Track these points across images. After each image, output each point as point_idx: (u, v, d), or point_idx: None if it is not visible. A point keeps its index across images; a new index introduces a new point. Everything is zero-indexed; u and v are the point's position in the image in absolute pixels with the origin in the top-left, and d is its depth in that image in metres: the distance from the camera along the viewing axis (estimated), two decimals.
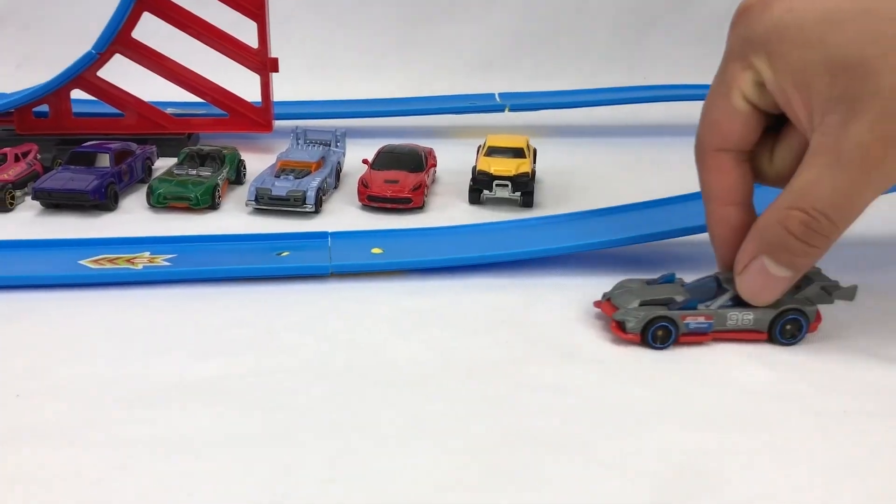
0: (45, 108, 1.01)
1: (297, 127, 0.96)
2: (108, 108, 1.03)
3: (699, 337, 0.59)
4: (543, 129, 1.13)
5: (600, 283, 0.64)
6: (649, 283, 0.62)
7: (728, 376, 0.56)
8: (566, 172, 0.97)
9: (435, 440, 0.49)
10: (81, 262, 0.69)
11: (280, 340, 0.60)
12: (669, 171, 0.95)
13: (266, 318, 0.63)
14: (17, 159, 0.88)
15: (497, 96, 1.18)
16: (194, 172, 0.86)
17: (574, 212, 0.79)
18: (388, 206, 0.84)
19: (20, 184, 0.85)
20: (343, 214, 0.85)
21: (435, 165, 0.92)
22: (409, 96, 1.20)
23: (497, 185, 0.85)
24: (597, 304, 0.63)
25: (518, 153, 0.88)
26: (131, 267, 0.68)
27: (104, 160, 0.86)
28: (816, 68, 0.52)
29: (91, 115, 1.03)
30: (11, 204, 0.83)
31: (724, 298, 0.59)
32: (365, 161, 0.91)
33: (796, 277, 0.57)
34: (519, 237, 0.74)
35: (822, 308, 0.60)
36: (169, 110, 1.03)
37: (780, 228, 0.55)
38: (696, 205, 0.65)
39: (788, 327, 0.59)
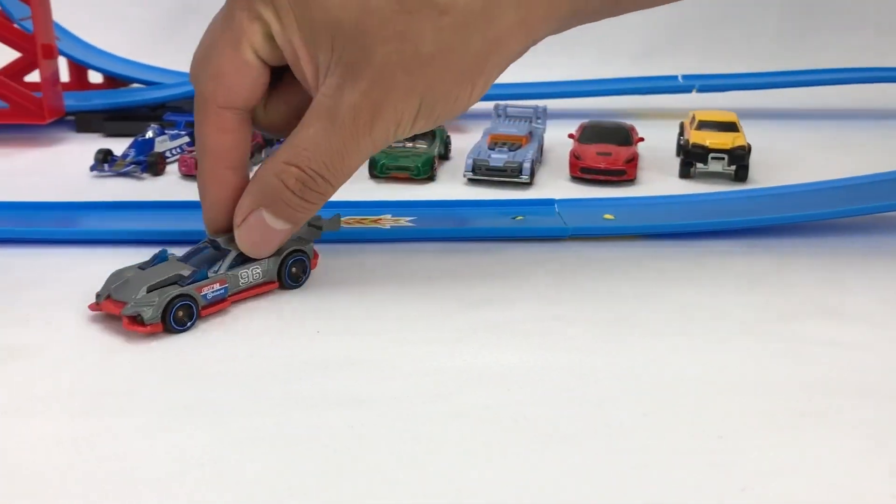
0: None
1: (497, 104, 0.99)
2: None
3: (219, 305, 0.57)
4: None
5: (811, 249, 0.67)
6: (142, 267, 0.58)
7: None
8: (761, 150, 0.96)
9: (742, 384, 0.50)
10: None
11: (538, 290, 0.62)
12: (855, 152, 0.98)
13: (515, 272, 0.66)
14: None
15: (680, 77, 1.18)
16: (411, 145, 0.90)
17: (792, 184, 0.80)
18: (601, 178, 0.86)
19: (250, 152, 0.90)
20: (554, 186, 0.87)
21: (642, 140, 0.93)
22: (587, 78, 1.22)
23: (712, 158, 0.85)
24: (93, 306, 0.56)
25: (731, 127, 0.89)
26: (380, 226, 0.72)
27: None
28: (320, 29, 0.51)
29: None
30: None
31: (229, 259, 0.58)
32: (571, 135, 0.92)
33: (295, 229, 0.58)
34: (755, 206, 0.75)
35: None
36: None
37: (278, 182, 0.55)
38: None
39: (294, 270, 0.61)
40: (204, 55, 0.56)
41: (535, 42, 0.55)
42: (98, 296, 0.56)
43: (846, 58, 1.27)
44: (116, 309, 0.55)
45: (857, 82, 1.20)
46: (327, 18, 0.51)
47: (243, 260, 0.59)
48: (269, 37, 0.54)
